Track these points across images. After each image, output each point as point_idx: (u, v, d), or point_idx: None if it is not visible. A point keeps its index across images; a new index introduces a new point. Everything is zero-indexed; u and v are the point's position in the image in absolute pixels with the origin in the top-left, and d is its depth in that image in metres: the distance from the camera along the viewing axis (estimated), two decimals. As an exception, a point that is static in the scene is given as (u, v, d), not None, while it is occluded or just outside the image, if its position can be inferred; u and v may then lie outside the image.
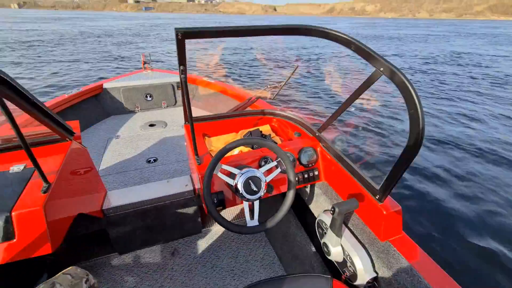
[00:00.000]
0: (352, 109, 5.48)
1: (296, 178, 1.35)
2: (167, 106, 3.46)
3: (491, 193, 3.23)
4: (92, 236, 1.73)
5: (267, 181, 1.19)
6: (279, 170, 1.23)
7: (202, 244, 1.87)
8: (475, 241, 2.55)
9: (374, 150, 4.17)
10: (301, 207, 1.63)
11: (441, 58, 12.41)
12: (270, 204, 1.93)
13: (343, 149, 4.16)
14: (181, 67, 0.98)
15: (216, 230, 1.97)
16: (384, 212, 1.05)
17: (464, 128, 5.18)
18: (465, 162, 3.91)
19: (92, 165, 1.51)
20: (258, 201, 1.18)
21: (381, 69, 0.92)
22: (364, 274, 1.04)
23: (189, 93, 3.47)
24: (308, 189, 1.51)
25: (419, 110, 0.81)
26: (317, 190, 1.43)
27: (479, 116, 5.68)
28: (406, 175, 3.55)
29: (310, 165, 1.39)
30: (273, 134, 1.64)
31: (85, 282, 0.69)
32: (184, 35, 0.86)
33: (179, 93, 3.43)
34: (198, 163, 1.28)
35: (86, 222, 1.58)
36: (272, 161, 1.25)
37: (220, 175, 1.15)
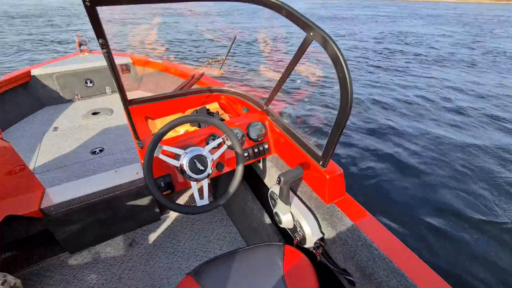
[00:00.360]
0: (298, 81, 5.68)
1: (246, 153, 1.36)
2: (112, 92, 3.17)
3: (427, 155, 3.65)
4: (35, 238, 1.57)
5: (214, 158, 1.16)
6: (225, 146, 1.21)
7: (162, 230, 1.81)
8: (409, 198, 2.88)
9: (320, 119, 4.46)
10: (255, 181, 1.66)
11: (389, 38, 13.25)
12: (228, 182, 1.94)
13: (291, 120, 4.38)
14: (100, 41, 0.87)
15: (176, 215, 1.92)
16: (327, 177, 1.10)
17: (408, 96, 5.75)
18: (407, 128, 4.34)
19: (20, 162, 1.33)
20: (206, 180, 1.16)
21: (311, 33, 0.92)
22: (312, 236, 1.10)
23: (133, 75, 3.22)
24: (260, 163, 1.53)
25: (346, 73, 0.84)
26: (268, 163, 1.45)
27: (425, 88, 6.31)
28: (351, 140, 3.89)
29: (260, 139, 1.40)
30: (221, 111, 1.60)
31: (2, 284, 0.61)
32: (92, 1, 0.75)
33: (125, 76, 3.15)
34: (140, 147, 1.20)
35: (21, 224, 1.42)
36: (219, 138, 1.23)
37: (162, 157, 1.09)
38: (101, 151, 2.08)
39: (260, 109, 1.49)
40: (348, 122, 4.42)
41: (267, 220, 1.53)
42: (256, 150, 1.38)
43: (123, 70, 3.12)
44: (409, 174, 3.27)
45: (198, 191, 1.15)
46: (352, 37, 13.05)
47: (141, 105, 1.47)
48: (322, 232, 1.11)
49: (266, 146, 1.41)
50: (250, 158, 1.38)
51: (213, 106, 1.62)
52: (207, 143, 1.27)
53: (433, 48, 11.19)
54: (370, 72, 7.55)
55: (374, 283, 0.89)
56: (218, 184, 1.99)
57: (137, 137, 1.20)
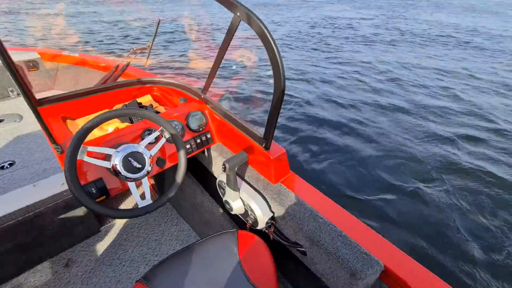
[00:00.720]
0: (234, 67, 5.69)
1: (188, 145, 1.29)
2: (18, 94, 2.66)
3: (366, 122, 4.08)
4: None
5: (153, 154, 1.07)
6: (164, 139, 1.12)
7: (104, 243, 1.64)
8: (348, 166, 3.20)
9: (260, 102, 4.65)
10: (203, 174, 1.61)
11: (320, 23, 14.07)
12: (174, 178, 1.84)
13: (231, 106, 4.47)
14: None
15: (120, 223, 1.75)
16: (271, 158, 1.12)
17: (347, 72, 6.36)
18: (347, 100, 4.81)
19: None
20: (146, 178, 1.07)
21: (238, 14, 0.89)
22: (263, 217, 1.12)
23: (43, 73, 2.74)
24: (206, 154, 1.48)
25: (275, 49, 0.84)
26: (213, 152, 1.41)
27: (358, 63, 6.99)
28: (292, 121, 4.13)
29: (201, 129, 1.34)
30: (155, 104, 1.48)
31: None
32: None
33: (33, 75, 2.66)
34: (59, 152, 1.03)
35: None
36: (155, 132, 1.13)
37: (88, 159, 0.96)
38: (11, 165, 1.74)
39: (198, 98, 1.43)
40: (292, 101, 4.69)
41: (219, 210, 1.51)
42: (198, 140, 1.33)
43: (29, 68, 2.61)
44: (349, 140, 3.65)
45: (138, 191, 1.05)
46: (288, 23, 13.49)
47: (55, 104, 1.26)
48: (272, 211, 1.14)
49: (208, 136, 1.37)
50: (193, 149, 1.31)
51: (146, 99, 1.48)
52: (143, 139, 1.16)
53: (358, 30, 12.32)
54: (308, 52, 8.05)
55: (322, 248, 0.95)
56: (163, 182, 1.87)
57: (53, 142, 1.03)
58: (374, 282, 0.92)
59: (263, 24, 0.83)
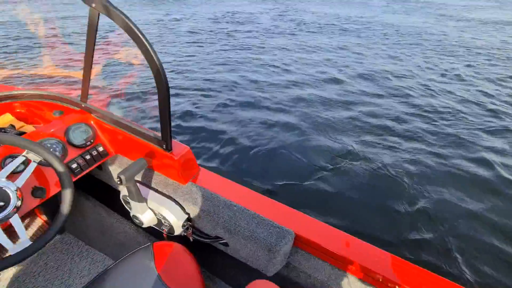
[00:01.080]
0: (118, 67, 5.23)
1: (75, 165, 1.11)
2: None
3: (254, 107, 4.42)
4: None
5: (20, 185, 0.87)
6: (34, 164, 0.92)
7: None
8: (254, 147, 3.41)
9: (154, 102, 4.44)
10: (105, 192, 1.42)
11: (223, 18, 14.20)
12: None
13: (124, 112, 4.16)
14: None
15: (5, 278, 1.39)
16: (176, 158, 1.06)
17: (257, 58, 6.89)
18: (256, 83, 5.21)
19: None
20: (16, 217, 0.86)
21: (93, 5, 0.79)
22: (178, 222, 1.06)
23: None
24: (103, 169, 1.30)
25: (147, 45, 0.78)
26: (112, 166, 1.25)
27: (265, 53, 7.44)
28: (201, 113, 4.14)
29: (89, 143, 1.16)
30: (20, 124, 1.20)
31: None
32: None
33: None
34: None
35: None
36: (19, 157, 0.91)
37: None
38: None
39: (78, 109, 1.23)
40: (200, 94, 4.62)
41: (132, 227, 1.36)
42: (88, 157, 1.15)
43: None
44: (259, 124, 3.90)
45: (7, 234, 0.84)
46: (189, 20, 13.11)
47: None
48: (186, 213, 1.09)
49: (101, 149, 1.20)
50: (83, 168, 1.13)
51: (5, 120, 1.18)
52: (3, 168, 0.92)
53: (260, 23, 13.03)
54: (217, 46, 8.15)
55: (240, 234, 0.97)
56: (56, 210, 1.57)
57: None
58: (290, 250, 0.99)
59: (124, 15, 0.75)
